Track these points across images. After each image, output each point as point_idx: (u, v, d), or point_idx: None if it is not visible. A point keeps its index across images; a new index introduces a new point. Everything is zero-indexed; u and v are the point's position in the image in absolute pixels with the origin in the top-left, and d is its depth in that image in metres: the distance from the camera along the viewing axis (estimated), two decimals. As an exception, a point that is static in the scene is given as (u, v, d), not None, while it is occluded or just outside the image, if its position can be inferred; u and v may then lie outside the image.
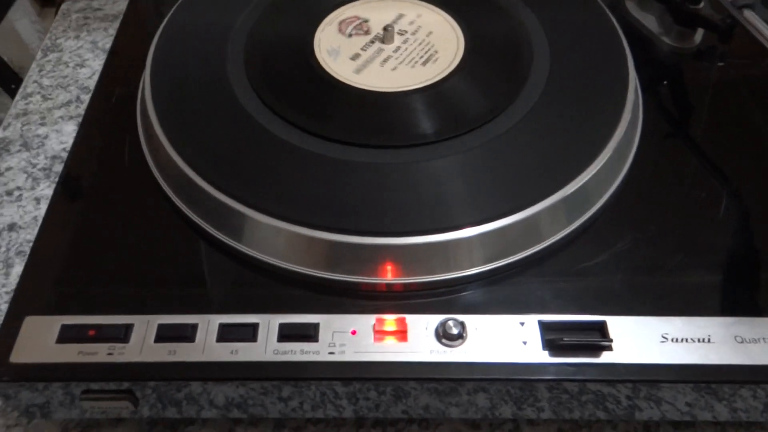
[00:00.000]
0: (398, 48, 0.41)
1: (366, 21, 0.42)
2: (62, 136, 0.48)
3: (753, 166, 0.38)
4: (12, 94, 0.72)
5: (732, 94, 0.42)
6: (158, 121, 0.36)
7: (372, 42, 0.41)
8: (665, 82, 0.43)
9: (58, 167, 0.46)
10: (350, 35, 0.41)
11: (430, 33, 0.41)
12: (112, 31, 0.55)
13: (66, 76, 0.52)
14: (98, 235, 0.34)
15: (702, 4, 0.42)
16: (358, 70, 0.39)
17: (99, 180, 0.37)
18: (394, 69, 0.39)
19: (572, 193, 0.34)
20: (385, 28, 0.40)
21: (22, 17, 1.18)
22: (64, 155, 0.46)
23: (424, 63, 0.39)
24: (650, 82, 0.42)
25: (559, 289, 0.32)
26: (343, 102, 0.38)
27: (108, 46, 0.54)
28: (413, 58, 0.40)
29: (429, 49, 0.40)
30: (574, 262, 0.33)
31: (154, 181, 0.36)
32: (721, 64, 0.44)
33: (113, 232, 0.34)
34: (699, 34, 0.44)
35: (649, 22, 0.45)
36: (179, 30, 0.42)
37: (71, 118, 0.49)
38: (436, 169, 0.34)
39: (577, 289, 0.32)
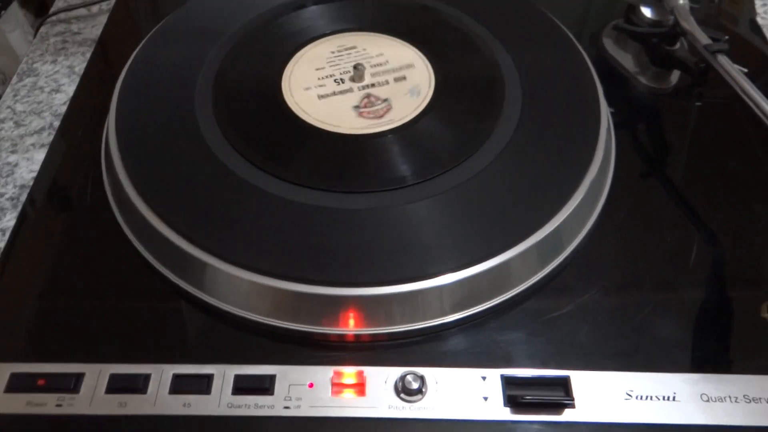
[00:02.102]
0: (368, 86, 0.40)
1: (336, 58, 0.42)
2: (32, 164, 0.47)
3: (726, 212, 0.37)
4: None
5: (708, 135, 0.42)
6: (121, 159, 0.36)
7: (341, 81, 0.40)
8: (640, 123, 0.42)
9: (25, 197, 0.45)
10: (320, 74, 0.41)
11: (401, 71, 0.41)
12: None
13: (41, 102, 0.51)
14: (54, 278, 0.34)
15: (678, 46, 0.42)
16: (326, 110, 0.38)
17: (58, 218, 0.37)
18: (362, 108, 0.39)
19: (542, 240, 0.33)
20: (355, 67, 0.39)
21: (14, 28, 1.17)
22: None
23: (394, 103, 0.39)
24: (625, 122, 0.41)
25: (524, 341, 0.31)
26: (309, 144, 0.37)
27: (86, 71, 0.53)
28: (383, 98, 0.39)
29: (399, 89, 0.40)
30: (541, 313, 0.33)
31: (115, 221, 0.35)
32: (698, 104, 0.44)
33: (69, 275, 0.34)
34: (675, 75, 0.44)
35: (626, 60, 0.45)
36: (146, 67, 0.41)
37: (43, 146, 0.48)
38: (400, 217, 0.34)
39: (543, 341, 0.31)
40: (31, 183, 0.46)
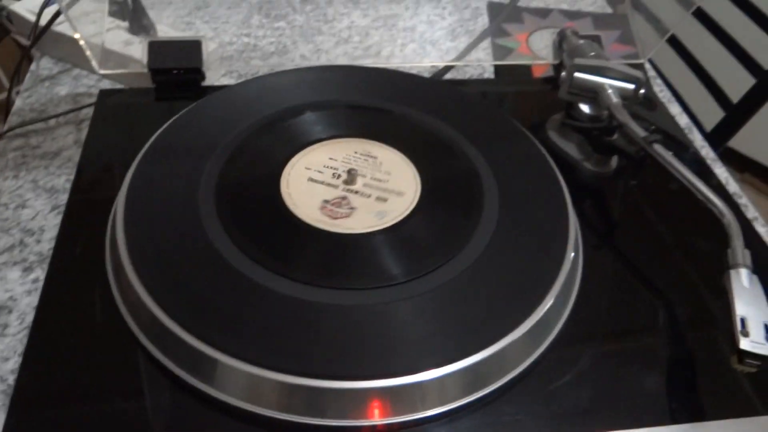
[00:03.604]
0: (351, 191, 0.43)
1: (331, 162, 0.45)
2: (7, 283, 0.46)
3: (676, 272, 0.43)
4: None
5: (650, 208, 0.48)
6: (136, 275, 0.37)
7: (335, 185, 0.44)
8: (592, 203, 0.48)
9: (5, 318, 0.44)
10: (316, 177, 0.44)
11: (389, 194, 0.44)
12: (54, 169, 0.54)
13: (6, 219, 0.51)
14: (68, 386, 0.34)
15: (616, 136, 0.48)
16: (321, 211, 0.41)
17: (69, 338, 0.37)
18: (356, 209, 0.42)
19: (537, 322, 0.37)
20: (349, 171, 0.43)
21: None
22: (11, 304, 0.44)
23: (384, 203, 0.42)
24: (579, 204, 0.47)
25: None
26: (308, 244, 0.40)
27: (50, 184, 0.53)
28: (374, 199, 0.43)
29: (389, 190, 0.43)
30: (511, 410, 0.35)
31: (122, 320, 0.37)
32: (633, 183, 0.51)
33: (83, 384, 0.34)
34: (615, 160, 0.51)
35: (570, 149, 0.51)
36: (146, 183, 0.43)
37: (15, 263, 0.47)
38: (400, 311, 0.36)
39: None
40: (8, 303, 0.45)
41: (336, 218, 0.41)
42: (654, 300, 0.42)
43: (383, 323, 0.36)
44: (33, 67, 0.65)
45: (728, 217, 0.39)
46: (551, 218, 0.43)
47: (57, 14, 0.60)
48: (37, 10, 0.62)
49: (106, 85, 0.63)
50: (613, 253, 0.45)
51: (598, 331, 0.39)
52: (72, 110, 0.59)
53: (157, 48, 0.51)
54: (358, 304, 0.36)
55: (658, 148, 0.43)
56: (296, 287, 0.37)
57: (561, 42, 0.54)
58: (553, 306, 0.38)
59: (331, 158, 0.45)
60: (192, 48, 0.51)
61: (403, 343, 0.35)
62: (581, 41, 0.52)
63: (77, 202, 0.45)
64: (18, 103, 0.61)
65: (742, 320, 0.35)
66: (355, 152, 0.46)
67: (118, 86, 0.61)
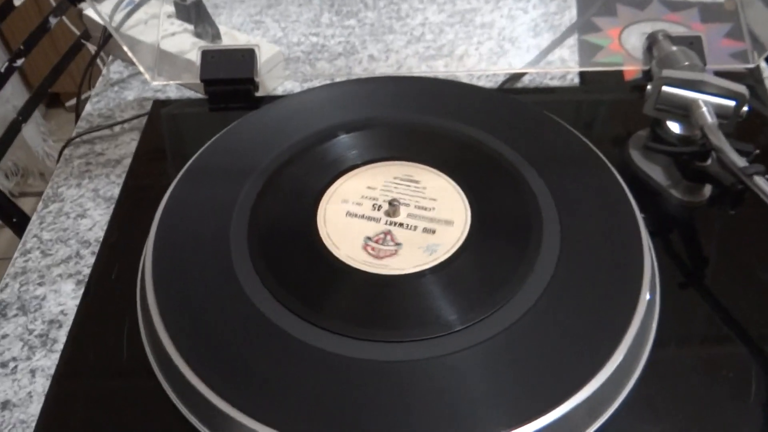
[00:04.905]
0: (395, 224, 0.40)
1: (369, 192, 0.42)
2: (60, 296, 0.46)
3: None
4: (13, 228, 0.71)
5: (743, 248, 0.41)
6: (161, 320, 0.35)
7: (378, 207, 0.40)
8: (678, 239, 0.42)
9: (55, 333, 0.44)
10: (354, 211, 0.40)
11: (437, 224, 0.40)
12: (114, 178, 0.55)
13: (66, 229, 0.51)
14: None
15: (710, 161, 0.41)
16: (342, 229, 0.38)
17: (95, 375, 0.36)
18: (373, 242, 0.38)
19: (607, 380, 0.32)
20: (390, 203, 0.39)
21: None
22: (62, 318, 0.45)
23: (401, 251, 0.38)
24: (663, 239, 0.41)
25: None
26: (352, 290, 0.36)
27: (110, 194, 0.53)
28: (397, 242, 0.39)
29: (419, 240, 0.39)
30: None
31: (157, 384, 0.35)
32: (731, 212, 0.43)
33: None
34: (709, 187, 0.44)
35: (655, 173, 0.45)
36: (178, 212, 0.41)
37: (70, 276, 0.48)
38: (448, 367, 0.33)
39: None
40: (59, 317, 0.45)
41: (382, 257, 0.38)
42: (748, 357, 0.35)
43: (436, 381, 0.32)
44: (105, 71, 0.65)
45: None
46: (622, 255, 0.37)
47: (127, 16, 0.60)
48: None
49: (172, 89, 0.62)
50: (700, 297, 0.39)
51: (678, 393, 0.33)
52: (137, 117, 0.59)
53: (210, 57, 0.49)
54: (410, 359, 0.33)
55: (760, 182, 0.36)
56: (342, 342, 0.33)
57: (651, 47, 0.47)
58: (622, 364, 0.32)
59: (369, 187, 0.41)
60: (245, 56, 0.49)
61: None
62: (674, 48, 0.45)
63: (119, 221, 0.45)
64: (87, 108, 0.62)
65: None
66: (395, 177, 0.42)
67: (188, 93, 0.61)
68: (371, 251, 0.38)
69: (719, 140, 0.39)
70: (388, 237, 0.39)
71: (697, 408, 0.33)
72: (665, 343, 0.36)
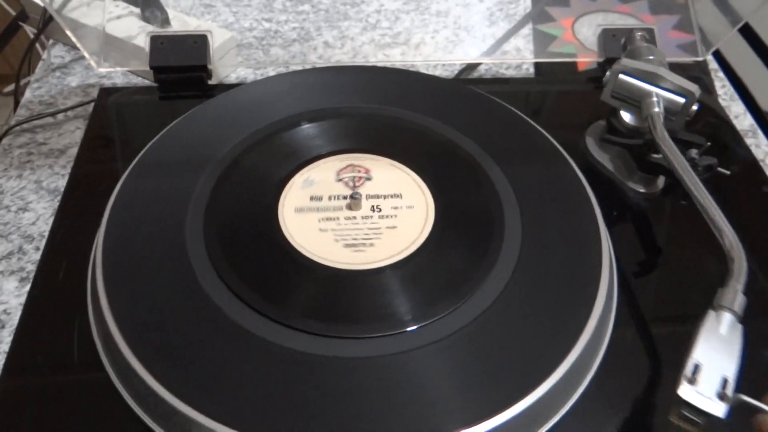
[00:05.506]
0: (366, 216, 0.39)
1: (333, 185, 0.41)
2: (2, 294, 0.44)
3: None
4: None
5: (697, 237, 0.42)
6: (113, 317, 0.33)
7: (337, 209, 0.39)
8: (634, 228, 0.43)
9: (-3, 333, 0.42)
10: (314, 206, 0.40)
11: (398, 196, 0.40)
12: (58, 169, 0.52)
13: (7, 223, 0.49)
14: None
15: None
16: (331, 244, 0.37)
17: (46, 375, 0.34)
18: (361, 241, 0.38)
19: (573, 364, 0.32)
20: (352, 196, 0.38)
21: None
22: (4, 318, 0.42)
23: (392, 232, 0.38)
24: (619, 229, 0.42)
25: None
26: (310, 284, 0.36)
27: (54, 185, 0.51)
28: (379, 226, 0.38)
29: (395, 216, 0.39)
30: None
31: (110, 383, 0.33)
32: (683, 202, 0.44)
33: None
34: (662, 178, 0.45)
35: (610, 163, 0.45)
36: (129, 205, 0.39)
37: (12, 272, 0.45)
38: (410, 363, 0.32)
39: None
40: (2, 317, 0.43)
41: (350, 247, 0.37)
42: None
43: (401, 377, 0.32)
44: (45, 55, 0.62)
45: (738, 253, 0.33)
46: (580, 250, 0.37)
47: (68, -1, 0.57)
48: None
49: (118, 75, 0.59)
50: (655, 288, 0.40)
51: (630, 384, 0.34)
52: (81, 104, 0.56)
53: (160, 43, 0.47)
54: (368, 356, 0.32)
55: (682, 171, 0.37)
56: (293, 336, 0.33)
57: (626, 45, 0.47)
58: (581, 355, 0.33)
59: (331, 179, 0.40)
60: (198, 43, 0.47)
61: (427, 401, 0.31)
62: (645, 44, 0.46)
63: (66, 214, 0.43)
64: (27, 94, 0.59)
65: (696, 366, 0.30)
66: (355, 169, 0.41)
67: (135, 79, 0.58)
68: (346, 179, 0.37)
69: (660, 130, 0.40)
70: (349, 230, 0.38)
71: (650, 395, 0.34)
72: (623, 334, 0.37)
